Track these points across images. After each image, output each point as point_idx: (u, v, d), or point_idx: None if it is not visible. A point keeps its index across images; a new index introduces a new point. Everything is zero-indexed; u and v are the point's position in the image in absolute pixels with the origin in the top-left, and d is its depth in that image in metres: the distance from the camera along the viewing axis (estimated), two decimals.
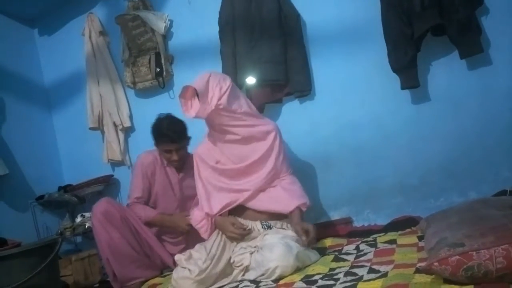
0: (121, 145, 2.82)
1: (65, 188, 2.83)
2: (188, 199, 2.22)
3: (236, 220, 1.81)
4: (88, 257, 2.51)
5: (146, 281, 2.04)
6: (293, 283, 1.44)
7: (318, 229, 2.17)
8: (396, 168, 2.16)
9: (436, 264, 1.05)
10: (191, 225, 1.95)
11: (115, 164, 2.91)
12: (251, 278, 1.60)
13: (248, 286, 1.54)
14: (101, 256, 2.08)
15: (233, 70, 2.34)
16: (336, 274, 1.43)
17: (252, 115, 1.90)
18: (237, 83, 2.33)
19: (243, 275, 1.67)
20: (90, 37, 2.89)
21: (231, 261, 1.71)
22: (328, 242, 1.97)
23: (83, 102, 2.94)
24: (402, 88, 2.04)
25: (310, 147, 2.33)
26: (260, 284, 1.52)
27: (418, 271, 1.22)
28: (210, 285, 1.63)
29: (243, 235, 1.76)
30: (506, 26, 1.93)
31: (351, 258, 1.62)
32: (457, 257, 1.01)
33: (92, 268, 2.50)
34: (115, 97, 2.82)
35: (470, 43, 1.90)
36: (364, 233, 2.05)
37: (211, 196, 1.90)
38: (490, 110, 1.96)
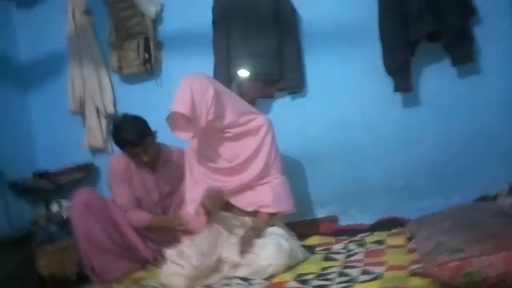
0: (103, 131, 2.71)
1: (41, 174, 2.69)
2: (167, 197, 2.17)
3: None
4: (66, 248, 2.40)
5: (128, 274, 1.99)
6: (286, 282, 1.43)
7: (304, 227, 2.21)
8: (384, 169, 2.19)
9: (435, 269, 1.07)
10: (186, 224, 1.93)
11: (95, 151, 2.80)
12: (242, 275, 1.58)
13: (240, 284, 1.52)
14: (79, 249, 2.00)
15: (225, 62, 2.29)
16: (329, 274, 1.44)
17: (243, 114, 1.86)
18: (230, 75, 2.29)
19: (233, 272, 1.65)
20: (73, 15, 2.74)
21: (221, 256, 1.69)
22: (315, 240, 1.98)
23: (63, 83, 2.79)
24: (395, 90, 2.07)
25: (299, 144, 2.32)
26: (252, 282, 1.51)
27: (413, 274, 1.24)
28: (201, 281, 1.60)
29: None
30: (497, 37, 1.98)
31: (341, 257, 1.63)
32: (457, 262, 1.04)
33: (69, 260, 2.40)
34: (99, 81, 2.69)
35: (462, 51, 1.94)
36: (350, 231, 2.07)
37: (198, 188, 1.87)
38: (478, 118, 2.02)
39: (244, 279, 1.56)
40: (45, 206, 2.61)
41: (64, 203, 2.61)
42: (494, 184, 1.93)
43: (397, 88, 2.05)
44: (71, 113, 2.75)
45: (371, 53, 2.12)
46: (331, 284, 1.31)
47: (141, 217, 2.06)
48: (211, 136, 1.87)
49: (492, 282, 1.00)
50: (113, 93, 2.75)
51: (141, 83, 2.69)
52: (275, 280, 1.48)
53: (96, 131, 2.70)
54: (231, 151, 1.87)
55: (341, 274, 1.41)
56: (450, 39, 1.92)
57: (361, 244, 1.77)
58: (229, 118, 1.81)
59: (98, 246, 1.93)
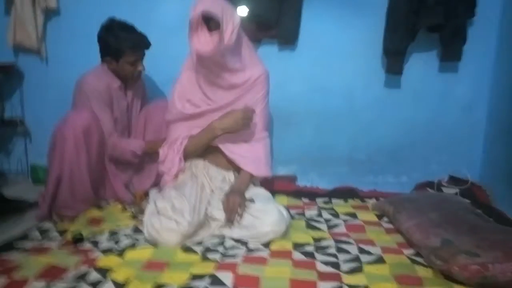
0: (38, 29, 2.15)
1: None
2: (133, 124, 2.00)
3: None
4: None
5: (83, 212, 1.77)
6: (288, 251, 1.44)
7: (263, 181, 2.22)
8: (350, 140, 2.30)
9: (456, 268, 1.21)
10: None
11: (22, 50, 2.23)
12: (235, 236, 1.54)
13: (237, 246, 1.48)
14: (50, 172, 1.67)
15: None
16: (327, 248, 1.48)
17: (248, 58, 1.73)
18: None
19: (220, 230, 1.58)
20: None
21: (209, 213, 1.59)
22: (284, 201, 2.00)
23: None
24: (387, 72, 2.12)
25: (275, 98, 2.22)
26: (250, 246, 1.48)
27: (415, 262, 1.37)
28: (190, 238, 1.49)
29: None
30: (481, 43, 2.14)
31: (323, 227, 1.69)
32: (477, 266, 1.18)
33: None
34: None
35: (455, 49, 2.06)
36: (307, 194, 2.15)
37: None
38: (442, 112, 2.22)
39: (238, 241, 1.52)
40: None
41: None
42: (436, 172, 2.22)
43: (389, 70, 2.10)
44: None
45: (372, 27, 2.12)
46: (337, 262, 1.36)
47: (138, 143, 1.86)
48: (205, 74, 1.68)
49: (500, 286, 1.18)
50: None
51: None
52: (275, 247, 1.47)
53: (29, 26, 2.13)
54: (219, 99, 1.73)
55: (339, 250, 1.46)
56: (449, 34, 2.01)
57: (333, 214, 1.85)
58: (235, 58, 1.65)
59: (76, 179, 1.68)
